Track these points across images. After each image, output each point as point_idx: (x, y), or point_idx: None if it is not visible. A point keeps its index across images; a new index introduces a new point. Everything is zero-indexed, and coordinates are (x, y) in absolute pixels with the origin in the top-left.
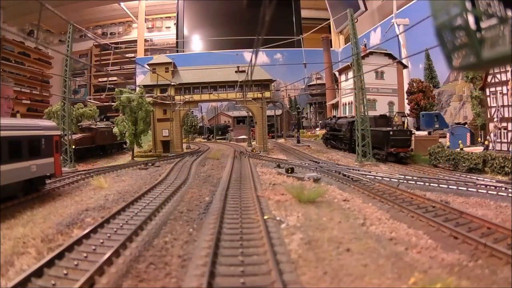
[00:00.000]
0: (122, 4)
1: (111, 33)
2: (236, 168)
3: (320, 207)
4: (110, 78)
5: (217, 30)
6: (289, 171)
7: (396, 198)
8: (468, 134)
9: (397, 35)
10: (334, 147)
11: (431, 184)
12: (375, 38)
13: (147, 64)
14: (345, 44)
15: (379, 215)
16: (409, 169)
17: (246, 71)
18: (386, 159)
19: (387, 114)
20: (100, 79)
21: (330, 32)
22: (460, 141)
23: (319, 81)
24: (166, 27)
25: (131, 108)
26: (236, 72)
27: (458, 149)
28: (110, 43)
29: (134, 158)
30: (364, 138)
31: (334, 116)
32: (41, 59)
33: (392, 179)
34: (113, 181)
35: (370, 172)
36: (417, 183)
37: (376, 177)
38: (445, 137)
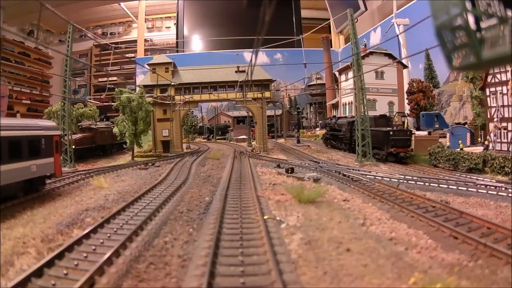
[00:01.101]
0: (122, 4)
1: (111, 33)
2: (236, 168)
3: (320, 207)
4: (110, 78)
5: (217, 30)
6: (289, 171)
7: (396, 198)
8: (468, 134)
9: (397, 35)
10: (334, 147)
11: (431, 184)
12: (375, 38)
13: (147, 64)
14: (345, 44)
15: (379, 215)
16: (409, 169)
17: (246, 71)
18: (386, 159)
19: (387, 114)
20: (100, 79)
21: (330, 32)
22: (460, 141)
23: (319, 81)
24: (166, 27)
25: (131, 108)
26: (236, 72)
27: (458, 149)
28: (110, 43)
29: (134, 158)
30: (364, 138)
31: (334, 116)
32: (41, 59)
33: (392, 179)
34: (113, 181)
35: (370, 172)
36: (417, 183)
37: (376, 177)
38: (445, 137)
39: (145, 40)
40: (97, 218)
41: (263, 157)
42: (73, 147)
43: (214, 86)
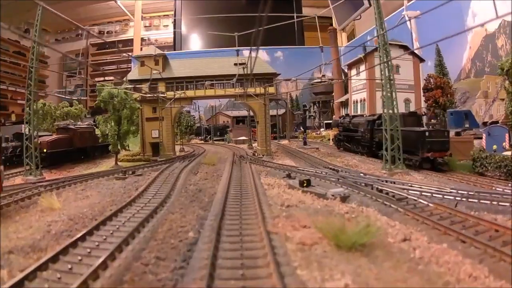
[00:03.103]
0: (118, 1)
1: (108, 32)
2: (235, 177)
3: (375, 259)
4: (106, 78)
5: (215, 28)
6: (305, 184)
7: (477, 233)
8: (507, 135)
9: (403, 21)
10: (348, 150)
11: (500, 203)
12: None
13: (135, 56)
14: (348, 41)
15: (470, 269)
16: (452, 179)
17: (246, 63)
18: (419, 166)
19: (417, 111)
20: (97, 79)
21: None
22: (504, 143)
23: (323, 78)
24: (164, 26)
25: (114, 105)
26: (235, 64)
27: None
28: (107, 41)
29: (119, 163)
30: (394, 141)
31: (347, 115)
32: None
33: (445, 196)
34: (74, 198)
35: (411, 186)
36: (481, 201)
37: (423, 193)
38: (479, 138)
39: (142, 39)
40: (13, 273)
41: (267, 163)
42: (45, 150)
43: (210, 80)
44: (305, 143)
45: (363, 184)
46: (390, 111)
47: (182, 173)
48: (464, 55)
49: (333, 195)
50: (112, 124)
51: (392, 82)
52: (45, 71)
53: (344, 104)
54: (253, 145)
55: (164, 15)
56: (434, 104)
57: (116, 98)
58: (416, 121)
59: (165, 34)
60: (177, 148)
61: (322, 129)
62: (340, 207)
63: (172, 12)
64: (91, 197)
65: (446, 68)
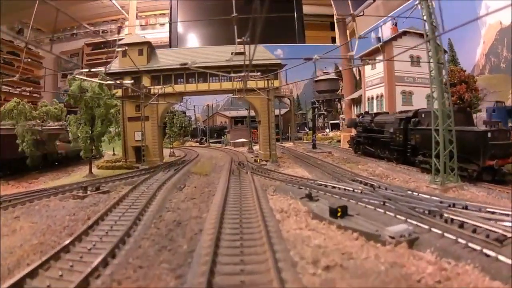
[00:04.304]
0: (113, 0)
1: (103, 31)
2: (233, 197)
3: None
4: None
5: (212, 27)
6: (339, 214)
7: None
8: None
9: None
10: (368, 155)
11: None
12: (385, 31)
13: (117, 45)
14: (349, 39)
15: None
16: None
17: (246, 52)
18: (478, 177)
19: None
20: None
21: (333, 29)
22: None
23: (328, 76)
24: (160, 25)
25: (86, 101)
26: (232, 54)
27: None
28: (107, 40)
29: (98, 171)
30: (446, 145)
31: (367, 112)
32: (31, 59)
33: None
34: None
35: (492, 211)
36: None
37: None
38: None
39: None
40: None
41: (273, 173)
42: None
43: (202, 69)
44: (314, 146)
45: (426, 212)
46: (436, 106)
47: (163, 189)
48: (478, 50)
49: (393, 237)
50: (84, 124)
51: (442, 66)
52: (40, 71)
53: (356, 102)
54: (254, 148)
55: (161, 14)
56: (458, 101)
57: (87, 93)
58: (466, 119)
59: (161, 33)
60: (167, 152)
61: (327, 130)
62: (418, 266)
63: (168, 11)
64: (17, 233)
65: (459, 64)
